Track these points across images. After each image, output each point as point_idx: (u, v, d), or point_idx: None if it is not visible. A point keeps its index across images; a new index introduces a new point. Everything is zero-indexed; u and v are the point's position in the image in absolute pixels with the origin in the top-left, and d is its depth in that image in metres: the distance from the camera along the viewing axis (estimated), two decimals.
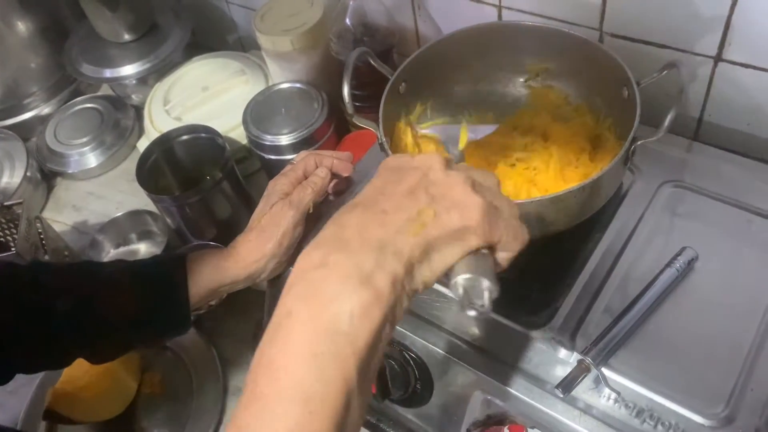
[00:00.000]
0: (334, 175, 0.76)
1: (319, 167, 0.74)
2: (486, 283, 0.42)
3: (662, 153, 0.77)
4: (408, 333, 0.67)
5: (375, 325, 0.38)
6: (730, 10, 0.71)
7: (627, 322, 0.64)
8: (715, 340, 0.63)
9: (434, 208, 0.41)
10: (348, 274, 0.38)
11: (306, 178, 0.74)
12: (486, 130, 0.74)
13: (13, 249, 0.94)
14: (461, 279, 0.43)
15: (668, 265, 0.67)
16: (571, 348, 0.63)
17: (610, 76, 0.70)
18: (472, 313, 0.42)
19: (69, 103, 1.26)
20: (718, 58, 0.76)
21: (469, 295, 0.42)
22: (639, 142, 0.63)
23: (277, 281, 0.74)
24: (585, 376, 0.60)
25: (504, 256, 0.46)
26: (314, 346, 0.37)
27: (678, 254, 0.67)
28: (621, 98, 0.69)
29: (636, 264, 0.69)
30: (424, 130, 0.75)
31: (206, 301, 0.72)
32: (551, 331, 0.64)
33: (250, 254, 0.69)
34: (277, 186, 0.72)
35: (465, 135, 0.74)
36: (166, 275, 0.67)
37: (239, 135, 1.05)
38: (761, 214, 0.71)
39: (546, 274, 0.69)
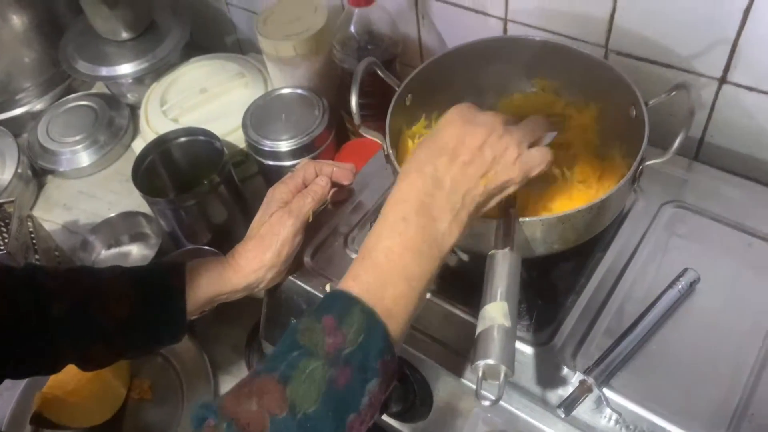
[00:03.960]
0: (334, 184, 0.75)
1: (319, 176, 0.73)
2: (504, 368, 0.50)
3: (663, 173, 0.77)
4: (408, 347, 0.66)
5: (454, 240, 0.54)
6: (737, 33, 0.71)
7: (629, 343, 0.64)
8: (716, 363, 0.63)
9: (495, 169, 0.56)
10: (445, 206, 0.54)
11: (306, 186, 0.73)
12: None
13: (3, 249, 0.92)
14: (482, 363, 0.50)
15: (670, 286, 0.67)
16: (573, 367, 0.63)
17: (617, 95, 0.70)
18: (486, 403, 0.51)
19: (62, 100, 1.24)
20: (722, 80, 0.76)
21: (486, 376, 0.51)
22: (647, 163, 0.63)
23: (275, 291, 0.74)
24: (587, 396, 0.60)
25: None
26: (420, 245, 0.53)
27: (680, 275, 0.67)
28: (628, 117, 0.69)
29: (638, 284, 0.69)
30: None
31: (202, 310, 0.70)
32: (553, 350, 0.64)
33: (248, 264, 0.68)
34: (276, 194, 0.71)
35: None
36: (164, 283, 0.66)
37: (237, 138, 1.04)
38: (762, 237, 0.71)
39: (548, 292, 0.69)
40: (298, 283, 0.72)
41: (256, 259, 0.68)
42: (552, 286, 0.70)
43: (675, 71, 0.78)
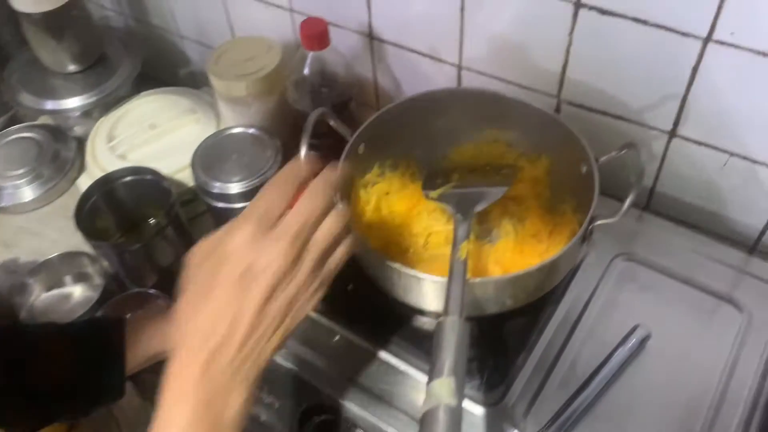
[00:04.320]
0: None
1: None
2: None
3: (614, 223, 0.77)
4: (356, 408, 0.64)
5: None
6: (687, 89, 0.72)
7: (581, 403, 0.63)
8: (668, 420, 0.62)
9: (290, 315, 0.48)
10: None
11: None
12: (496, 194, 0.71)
13: None
14: None
15: (621, 343, 0.67)
16: (524, 429, 0.62)
17: (568, 150, 0.70)
18: None
19: (4, 132, 1.19)
20: (672, 134, 0.77)
21: None
22: (597, 222, 0.62)
23: None
24: None
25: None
26: None
27: (631, 332, 0.67)
28: (579, 172, 0.69)
29: (589, 341, 0.68)
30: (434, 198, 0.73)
31: (144, 367, 0.67)
32: (504, 410, 0.63)
33: None
34: None
35: None
36: (102, 342, 0.63)
37: (186, 177, 1.00)
38: (712, 293, 0.71)
39: (500, 349, 0.68)
40: None
41: None
42: (503, 343, 0.69)
43: (626, 123, 0.79)
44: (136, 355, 0.64)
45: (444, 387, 0.48)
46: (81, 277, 1.02)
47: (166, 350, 0.65)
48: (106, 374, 0.63)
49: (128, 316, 0.66)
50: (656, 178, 0.83)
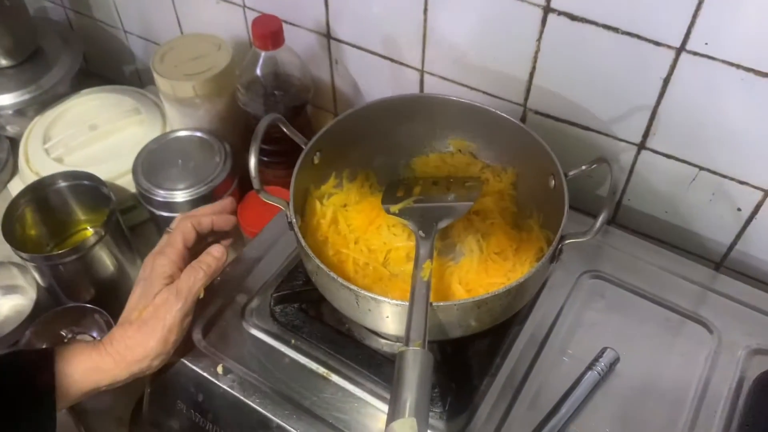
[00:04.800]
0: (215, 232, 0.68)
1: (213, 245, 0.65)
2: None
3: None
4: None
5: None
6: (657, 102, 0.69)
7: (550, 430, 0.59)
8: None
9: None
10: None
11: (187, 249, 0.65)
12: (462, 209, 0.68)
13: None
14: None
15: (589, 367, 0.64)
16: None
17: (536, 161, 0.66)
18: None
19: None
20: (641, 146, 0.74)
21: None
22: (566, 242, 0.59)
23: (160, 371, 0.65)
24: None
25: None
26: None
27: (599, 356, 0.64)
28: (546, 185, 0.66)
29: (556, 365, 0.65)
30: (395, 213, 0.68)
31: (77, 401, 0.61)
32: None
33: (130, 352, 0.59)
34: (157, 269, 0.62)
35: None
36: (28, 382, 0.56)
37: (128, 182, 0.94)
38: (678, 311, 0.69)
39: (463, 373, 0.64)
40: (187, 364, 0.64)
41: (140, 347, 0.59)
42: (467, 367, 0.65)
43: (595, 134, 0.76)
44: (68, 394, 0.57)
45: (405, 429, 0.44)
46: (11, 289, 0.94)
47: (102, 386, 0.59)
48: (34, 419, 0.56)
49: (57, 347, 0.59)
50: (623, 191, 0.80)
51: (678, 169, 0.74)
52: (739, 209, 0.74)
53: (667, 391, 0.63)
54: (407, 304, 0.54)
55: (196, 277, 0.61)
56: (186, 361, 0.64)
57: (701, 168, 0.72)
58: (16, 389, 0.55)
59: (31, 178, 0.91)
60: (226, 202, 0.72)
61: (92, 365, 0.58)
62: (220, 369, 0.63)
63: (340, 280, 0.55)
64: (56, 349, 0.58)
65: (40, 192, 0.88)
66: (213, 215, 0.68)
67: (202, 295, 0.62)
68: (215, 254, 0.64)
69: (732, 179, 0.71)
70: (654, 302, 0.70)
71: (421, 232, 0.62)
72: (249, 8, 0.92)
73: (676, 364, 0.65)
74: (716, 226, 0.77)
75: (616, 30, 0.66)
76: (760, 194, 0.71)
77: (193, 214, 0.68)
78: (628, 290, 0.71)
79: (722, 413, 0.62)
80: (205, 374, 0.63)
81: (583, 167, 0.62)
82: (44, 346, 0.86)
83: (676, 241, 0.80)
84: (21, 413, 0.55)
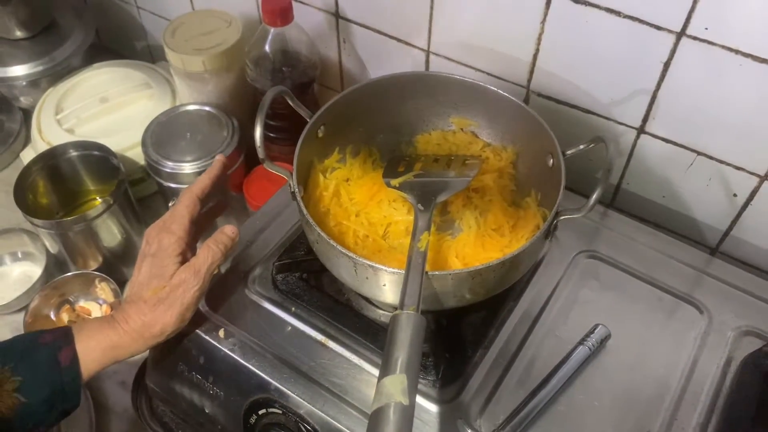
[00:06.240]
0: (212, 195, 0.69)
1: (227, 226, 0.65)
2: None
3: (578, 219, 0.75)
4: (304, 402, 0.61)
5: None
6: (657, 86, 0.70)
7: (537, 403, 0.61)
8: (625, 421, 0.61)
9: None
10: None
11: (192, 224, 0.65)
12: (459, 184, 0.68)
13: None
14: None
15: (581, 342, 0.65)
16: (479, 427, 0.60)
17: (535, 141, 0.67)
18: None
19: None
20: (641, 130, 0.75)
21: None
22: (562, 218, 0.60)
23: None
24: None
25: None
26: None
27: (591, 332, 0.66)
28: (545, 164, 0.67)
29: (548, 338, 0.66)
30: (395, 186, 0.69)
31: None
32: (459, 408, 0.61)
33: (148, 329, 0.61)
34: (166, 247, 0.63)
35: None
36: (52, 365, 0.58)
37: (137, 154, 0.96)
38: (671, 293, 0.70)
39: (457, 344, 0.66)
40: (190, 328, 0.66)
41: (158, 324, 0.61)
42: (461, 338, 0.66)
43: (595, 117, 0.77)
44: (88, 369, 0.60)
45: (396, 384, 0.45)
46: (22, 256, 0.97)
47: (121, 359, 0.61)
48: (63, 396, 0.58)
49: (73, 326, 0.61)
50: (622, 175, 0.82)
51: (676, 154, 0.75)
52: (735, 195, 0.75)
53: (655, 368, 0.65)
54: (403, 271, 0.55)
55: (214, 257, 0.63)
56: (189, 325, 0.66)
57: (699, 153, 0.74)
58: (42, 364, 0.57)
59: (44, 148, 0.93)
60: (218, 159, 0.71)
61: (110, 344, 0.60)
62: (221, 333, 0.65)
63: (339, 247, 0.57)
64: (73, 329, 0.60)
65: (51, 160, 0.90)
66: (210, 180, 0.68)
67: (218, 272, 0.64)
68: (229, 233, 0.65)
69: (729, 165, 0.73)
70: (647, 283, 0.71)
71: (420, 205, 0.64)
72: None
73: (666, 342, 0.67)
74: (713, 211, 0.78)
75: (618, 13, 0.67)
76: (756, 180, 0.72)
77: (196, 185, 0.69)
78: (622, 270, 0.72)
79: (709, 391, 0.63)
80: (207, 338, 0.65)
81: (581, 146, 0.64)
82: (52, 314, 0.88)
83: (673, 225, 0.82)
84: (50, 395, 0.57)
